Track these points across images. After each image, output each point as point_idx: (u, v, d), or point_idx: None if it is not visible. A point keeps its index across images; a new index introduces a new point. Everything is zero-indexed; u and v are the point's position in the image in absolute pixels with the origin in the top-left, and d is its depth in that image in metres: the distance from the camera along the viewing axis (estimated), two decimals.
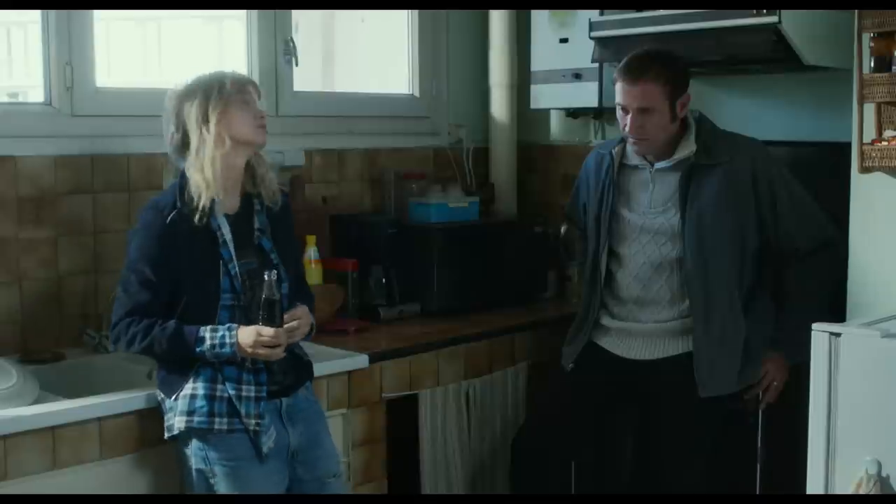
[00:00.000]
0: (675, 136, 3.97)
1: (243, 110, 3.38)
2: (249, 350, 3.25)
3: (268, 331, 3.26)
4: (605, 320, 4.11)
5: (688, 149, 3.93)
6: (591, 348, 4.12)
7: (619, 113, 3.95)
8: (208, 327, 3.28)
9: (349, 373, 3.93)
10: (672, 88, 3.87)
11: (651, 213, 4.00)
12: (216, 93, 3.34)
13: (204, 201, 3.29)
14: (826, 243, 3.99)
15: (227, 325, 3.30)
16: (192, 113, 3.32)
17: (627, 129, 3.92)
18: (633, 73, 3.89)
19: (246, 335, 3.26)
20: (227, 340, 3.25)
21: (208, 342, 3.25)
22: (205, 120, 3.31)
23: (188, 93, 3.36)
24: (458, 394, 4.28)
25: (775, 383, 3.98)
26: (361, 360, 3.96)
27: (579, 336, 4.16)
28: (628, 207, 4.05)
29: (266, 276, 3.26)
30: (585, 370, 4.12)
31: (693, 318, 3.94)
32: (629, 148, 4.05)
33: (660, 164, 3.99)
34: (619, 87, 3.92)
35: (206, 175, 3.29)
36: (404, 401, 4.12)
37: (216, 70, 3.46)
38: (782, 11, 3.94)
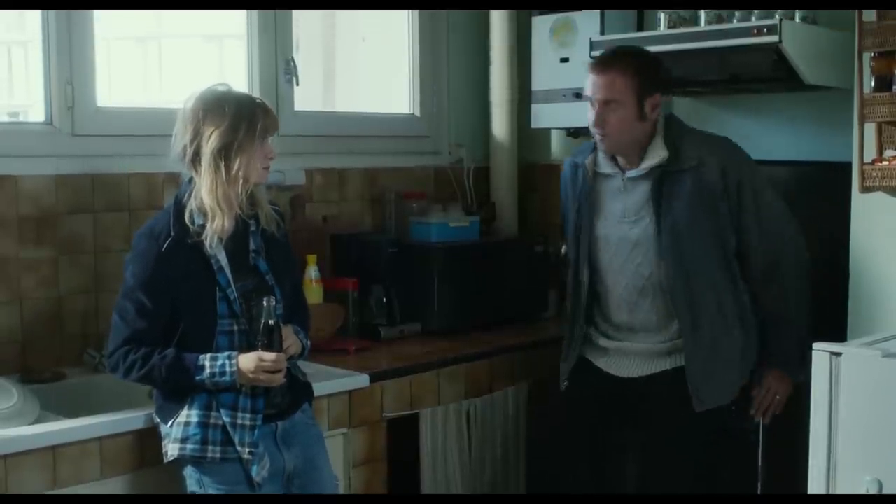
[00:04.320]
0: (644, 141, 3.82)
1: (261, 153, 3.33)
2: (251, 376, 3.24)
3: (269, 356, 3.24)
4: (602, 341, 4.01)
5: (658, 155, 3.80)
6: (585, 365, 4.04)
7: (588, 109, 3.83)
8: (208, 355, 3.26)
9: (350, 392, 3.92)
10: (640, 83, 3.72)
11: (626, 222, 3.87)
12: (244, 130, 3.27)
13: (216, 227, 3.27)
14: (779, 263, 3.87)
15: (227, 353, 3.28)
16: (212, 140, 3.24)
17: (591, 122, 3.80)
18: (602, 62, 3.81)
19: (247, 361, 3.24)
20: (228, 369, 3.24)
21: (208, 370, 3.24)
22: (225, 155, 3.26)
23: (216, 114, 3.27)
24: (458, 413, 4.28)
25: (778, 396, 3.91)
26: (362, 380, 3.96)
27: (570, 352, 4.08)
28: (603, 217, 3.93)
29: (265, 302, 3.25)
30: (580, 388, 4.06)
31: (681, 330, 3.84)
32: (600, 155, 3.93)
33: (631, 173, 3.85)
34: (588, 78, 3.81)
35: (219, 202, 3.27)
36: (405, 420, 4.12)
37: (249, 96, 3.41)
38: (783, 32, 3.95)
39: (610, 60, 3.79)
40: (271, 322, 3.25)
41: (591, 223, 3.95)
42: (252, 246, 3.43)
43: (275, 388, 3.34)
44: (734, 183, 3.78)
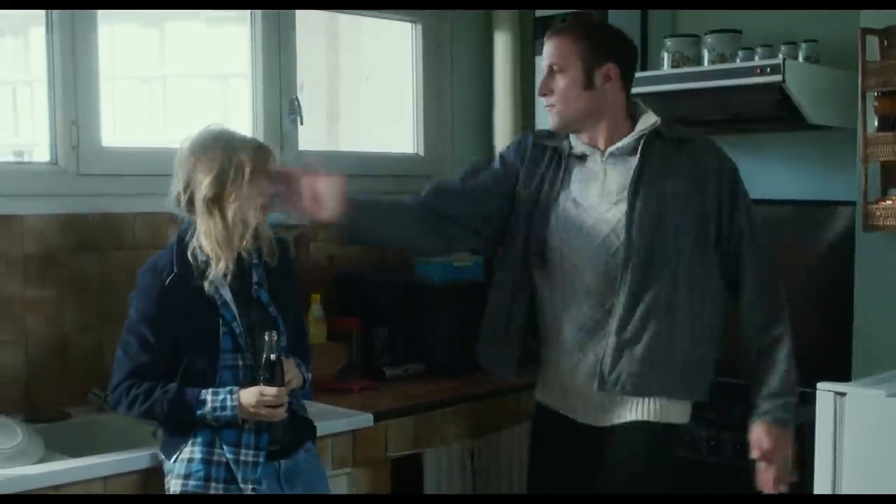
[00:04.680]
0: (601, 118, 3.44)
1: (255, 194, 3.30)
2: (252, 410, 3.23)
3: (270, 390, 3.23)
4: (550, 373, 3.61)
5: (649, 120, 3.46)
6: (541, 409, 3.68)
7: None
8: (210, 390, 3.26)
9: (353, 432, 3.92)
10: (589, 49, 3.38)
11: (601, 203, 3.43)
12: (233, 176, 3.25)
13: (218, 269, 3.27)
14: (770, 284, 3.46)
15: (229, 387, 3.27)
16: (203, 188, 3.24)
17: (537, 92, 3.51)
18: (553, 29, 3.56)
19: (249, 396, 3.23)
20: (229, 403, 3.23)
21: (209, 405, 3.23)
22: (218, 204, 3.26)
23: (205, 162, 3.26)
24: (462, 453, 4.27)
25: (775, 454, 3.41)
26: (366, 419, 3.95)
27: (503, 348, 3.67)
28: (573, 202, 3.48)
29: (266, 336, 3.24)
30: (541, 434, 3.73)
31: (625, 316, 3.36)
32: (573, 136, 3.52)
33: (617, 145, 3.45)
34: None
35: (219, 246, 3.27)
36: (409, 460, 4.11)
37: (238, 136, 3.37)
38: (786, 71, 3.96)
39: (560, 26, 3.65)
40: (273, 357, 3.24)
41: (555, 206, 3.50)
42: (255, 278, 3.42)
43: (276, 423, 3.33)
44: (730, 171, 3.47)
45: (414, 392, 4.36)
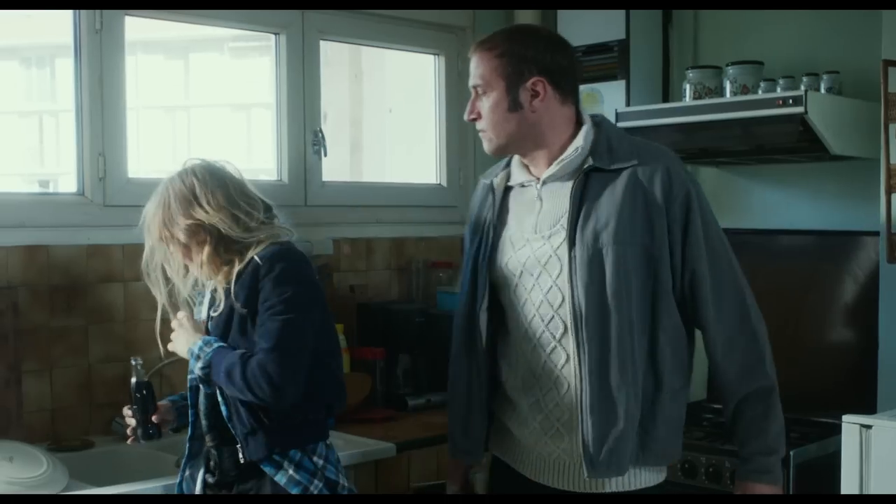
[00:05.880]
0: (556, 142, 3.04)
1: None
2: None
3: (126, 411, 3.33)
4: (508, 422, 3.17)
5: (576, 145, 3.00)
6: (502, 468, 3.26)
7: None
8: None
9: (376, 462, 3.92)
10: (510, 64, 2.98)
11: (536, 239, 3.01)
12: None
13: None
14: (742, 316, 3.00)
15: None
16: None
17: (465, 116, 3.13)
18: (475, 44, 3.10)
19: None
20: None
21: None
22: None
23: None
24: (485, 483, 4.26)
25: None
26: (389, 449, 3.95)
27: (468, 422, 3.20)
28: (509, 239, 3.08)
29: (133, 362, 3.31)
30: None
31: (581, 368, 2.91)
32: (514, 166, 3.17)
33: (547, 172, 3.04)
34: None
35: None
36: (432, 490, 4.11)
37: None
38: (808, 102, 3.95)
39: (482, 41, 3.08)
40: (132, 381, 3.30)
41: (494, 249, 3.11)
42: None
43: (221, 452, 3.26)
44: (681, 197, 2.94)
45: (436, 422, 4.34)
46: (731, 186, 4.87)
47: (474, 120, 3.08)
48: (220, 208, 3.16)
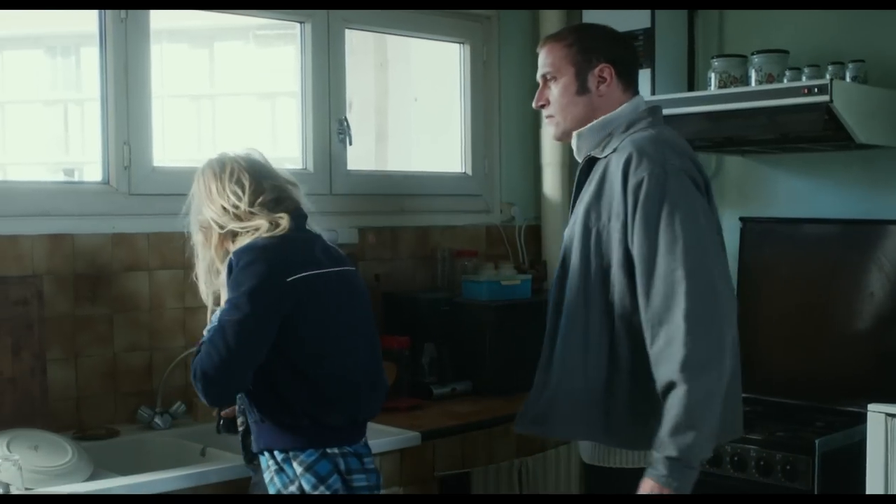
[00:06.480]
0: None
1: None
2: None
3: None
4: None
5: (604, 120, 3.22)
6: None
7: None
8: None
9: (402, 450, 3.93)
10: (580, 52, 3.19)
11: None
12: None
13: None
14: (668, 306, 2.90)
15: None
16: None
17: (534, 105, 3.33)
18: (544, 37, 3.37)
19: None
20: None
21: None
22: None
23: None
24: (510, 472, 4.27)
25: None
26: (414, 438, 3.97)
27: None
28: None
29: None
30: None
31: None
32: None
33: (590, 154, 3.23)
34: None
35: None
36: (457, 478, 4.11)
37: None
38: (834, 91, 3.94)
39: (551, 34, 3.33)
40: None
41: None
42: None
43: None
44: (635, 182, 2.98)
45: (461, 411, 4.36)
46: (756, 175, 4.86)
47: (542, 107, 3.28)
48: (213, 200, 3.25)
